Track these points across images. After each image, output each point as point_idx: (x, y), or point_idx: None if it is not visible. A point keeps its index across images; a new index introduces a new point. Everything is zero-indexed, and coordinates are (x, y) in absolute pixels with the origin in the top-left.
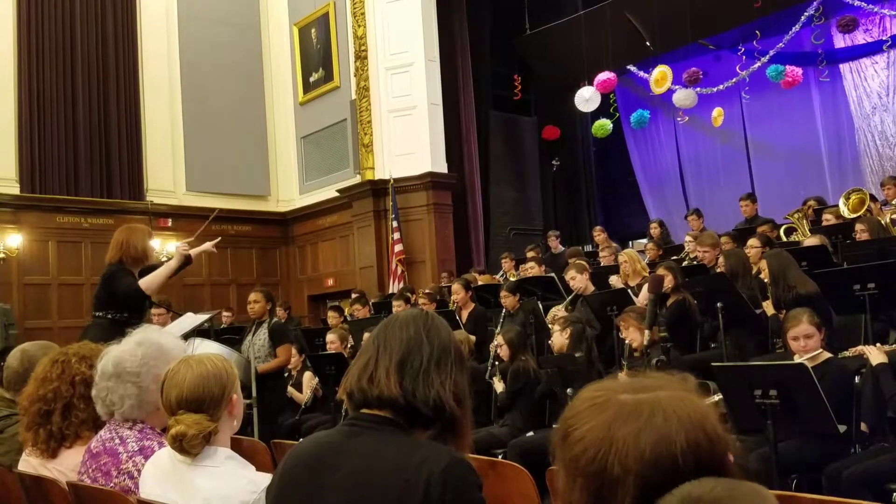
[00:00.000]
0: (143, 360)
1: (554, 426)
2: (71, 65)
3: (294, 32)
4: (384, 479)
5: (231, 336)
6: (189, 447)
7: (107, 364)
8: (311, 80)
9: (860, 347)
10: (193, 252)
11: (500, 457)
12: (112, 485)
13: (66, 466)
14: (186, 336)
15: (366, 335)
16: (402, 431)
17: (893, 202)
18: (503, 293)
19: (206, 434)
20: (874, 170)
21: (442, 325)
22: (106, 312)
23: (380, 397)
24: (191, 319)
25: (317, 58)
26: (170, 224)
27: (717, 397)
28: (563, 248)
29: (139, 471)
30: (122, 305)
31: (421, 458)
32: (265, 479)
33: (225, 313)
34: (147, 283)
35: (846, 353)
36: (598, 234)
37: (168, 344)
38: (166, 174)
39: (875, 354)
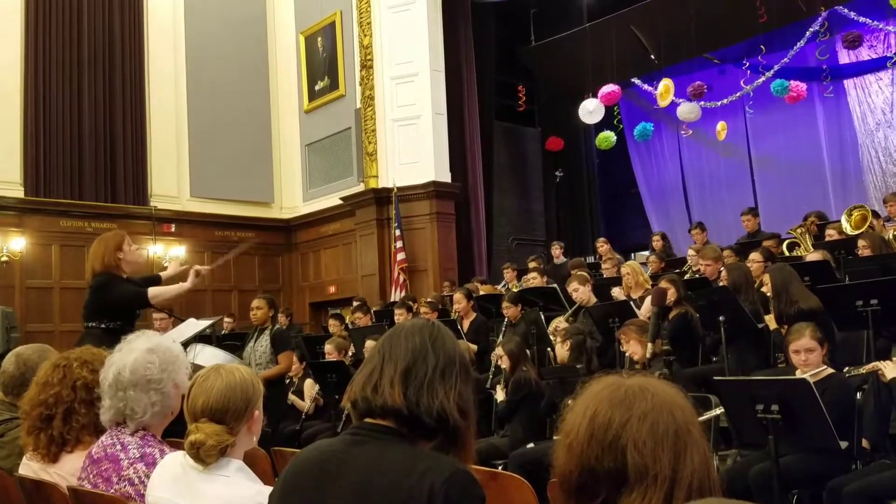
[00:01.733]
0: (162, 367)
1: (555, 438)
2: (77, 69)
3: (300, 41)
4: (386, 489)
5: (233, 342)
6: (205, 456)
7: (122, 373)
8: (317, 88)
9: (875, 364)
10: (189, 284)
11: (500, 468)
12: (112, 491)
13: (67, 471)
14: (188, 342)
15: (367, 343)
16: (405, 441)
17: None
18: (505, 303)
19: (223, 447)
20: (878, 186)
21: (448, 335)
22: (99, 322)
23: (383, 407)
24: (193, 325)
25: (322, 66)
26: (173, 229)
27: (719, 411)
28: (565, 259)
29: (140, 478)
30: (115, 314)
31: (424, 468)
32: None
33: (227, 319)
34: (156, 292)
35: (861, 370)
36: (602, 246)
37: (177, 348)
38: (170, 179)
39: (890, 369)
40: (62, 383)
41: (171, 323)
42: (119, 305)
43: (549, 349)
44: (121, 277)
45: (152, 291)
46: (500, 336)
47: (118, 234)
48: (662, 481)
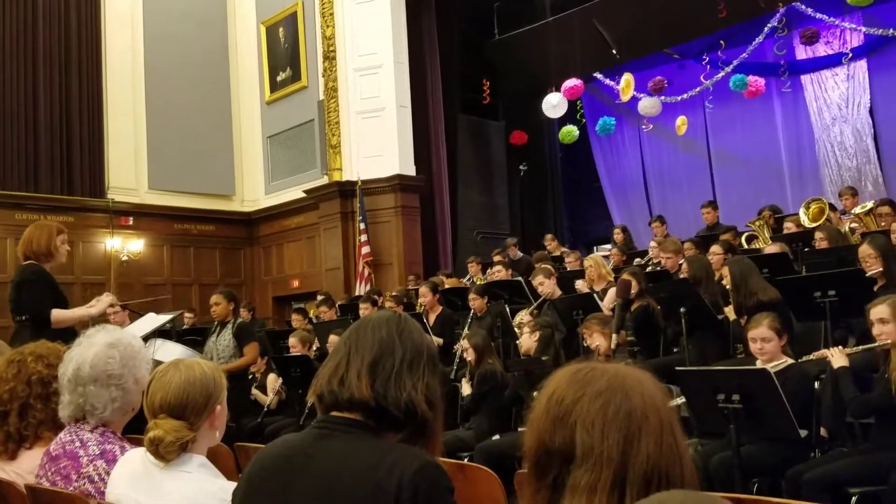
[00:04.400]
0: (123, 362)
1: (520, 429)
2: (32, 59)
3: (261, 31)
4: (354, 483)
5: (194, 337)
6: (164, 453)
7: (82, 368)
8: (279, 79)
9: (823, 351)
10: (96, 311)
11: (466, 460)
12: (72, 488)
13: (25, 469)
14: (148, 337)
15: (332, 337)
16: (372, 434)
17: (851, 212)
18: (472, 295)
19: (182, 443)
20: (833, 180)
21: (415, 327)
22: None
23: (350, 399)
24: (152, 320)
25: (284, 57)
26: (131, 222)
27: (680, 400)
28: (521, 255)
29: (100, 475)
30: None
31: (392, 461)
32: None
33: (187, 314)
34: (58, 316)
35: (810, 357)
36: (550, 243)
37: (137, 343)
38: (128, 172)
39: (837, 357)
40: (17, 378)
41: (126, 316)
42: (30, 314)
43: (514, 342)
44: (51, 281)
45: (55, 315)
46: (466, 328)
47: (59, 224)
48: (609, 462)
